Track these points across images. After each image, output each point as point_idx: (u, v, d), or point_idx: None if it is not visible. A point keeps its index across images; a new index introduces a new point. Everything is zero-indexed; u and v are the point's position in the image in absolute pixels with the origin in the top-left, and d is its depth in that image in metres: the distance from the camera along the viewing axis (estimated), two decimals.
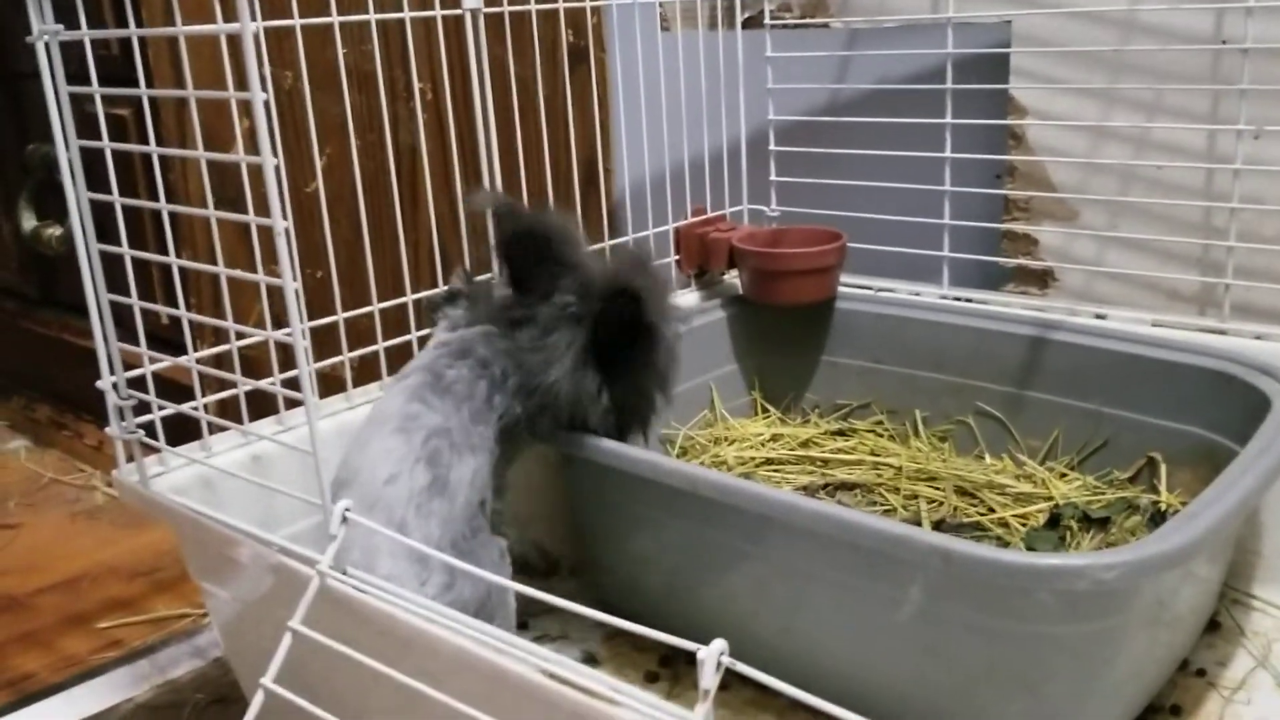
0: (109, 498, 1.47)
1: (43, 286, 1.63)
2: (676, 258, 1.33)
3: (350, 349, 1.02)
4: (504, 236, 0.96)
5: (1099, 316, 1.14)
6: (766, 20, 1.36)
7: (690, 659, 0.50)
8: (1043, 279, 1.25)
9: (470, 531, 0.85)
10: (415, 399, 0.87)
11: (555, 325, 0.92)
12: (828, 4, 1.33)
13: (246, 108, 0.62)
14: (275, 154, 0.62)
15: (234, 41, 0.83)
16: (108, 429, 0.84)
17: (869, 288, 1.29)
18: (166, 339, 0.98)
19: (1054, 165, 1.22)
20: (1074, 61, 1.18)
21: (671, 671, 0.99)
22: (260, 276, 0.70)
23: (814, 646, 0.89)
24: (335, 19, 0.95)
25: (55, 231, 1.49)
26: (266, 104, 0.62)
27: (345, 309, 1.02)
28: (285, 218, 0.65)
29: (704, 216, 1.33)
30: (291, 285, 0.62)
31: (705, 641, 0.50)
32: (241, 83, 0.61)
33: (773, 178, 1.38)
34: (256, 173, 0.63)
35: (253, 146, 0.63)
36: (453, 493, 0.84)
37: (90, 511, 1.44)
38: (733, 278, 1.33)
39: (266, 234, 0.63)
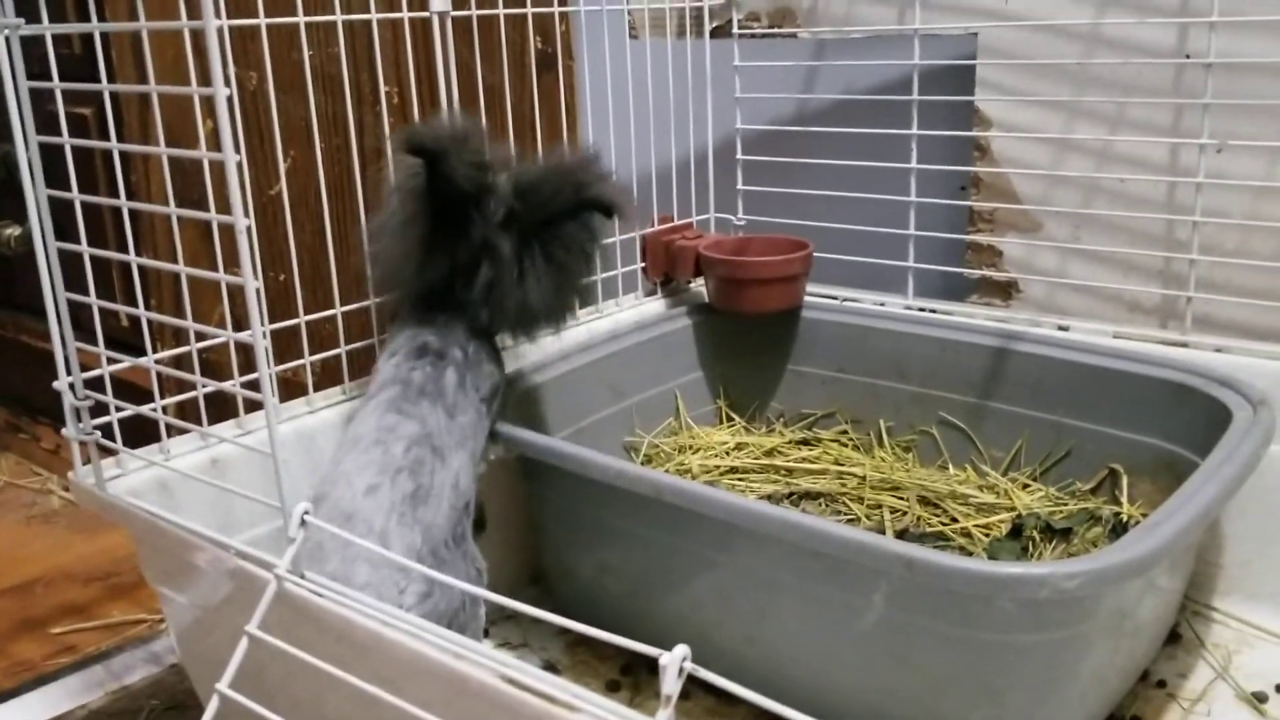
0: (65, 502, 1.45)
1: (1, 288, 1.61)
2: (643, 265, 1.32)
3: (312, 352, 1.01)
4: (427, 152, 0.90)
5: (1062, 328, 1.14)
6: (734, 29, 1.37)
7: (652, 668, 0.50)
8: (1006, 290, 1.26)
9: (454, 540, 0.85)
10: (390, 410, 0.86)
11: (494, 243, 0.92)
12: (795, 14, 1.33)
13: (210, 108, 0.61)
14: (238, 152, 0.62)
15: (198, 41, 0.82)
16: (64, 430, 0.83)
17: (834, 297, 1.30)
18: (126, 342, 0.97)
19: (1018, 177, 1.23)
20: (1039, 74, 1.19)
21: (633, 680, 0.98)
22: (221, 275, 0.69)
23: (778, 655, 0.89)
24: (301, 19, 0.95)
25: (13, 231, 1.47)
26: (230, 102, 0.61)
27: (308, 312, 1.01)
28: (247, 217, 0.64)
29: (670, 224, 1.33)
30: (252, 284, 0.61)
31: (669, 649, 0.50)
32: (205, 81, 0.60)
33: (740, 186, 1.38)
34: (219, 173, 0.62)
35: (216, 146, 0.62)
36: (436, 499, 0.83)
37: (46, 515, 1.42)
38: (699, 286, 1.33)
39: (229, 235, 0.62)
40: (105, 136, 0.86)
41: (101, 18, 1.06)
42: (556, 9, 1.27)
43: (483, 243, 0.91)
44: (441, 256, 0.92)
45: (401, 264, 0.92)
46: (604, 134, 1.25)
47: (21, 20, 0.73)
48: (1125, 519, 1.02)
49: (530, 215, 0.93)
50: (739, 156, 1.38)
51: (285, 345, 1.02)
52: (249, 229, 0.61)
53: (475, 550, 0.88)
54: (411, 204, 0.91)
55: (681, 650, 0.49)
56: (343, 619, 0.65)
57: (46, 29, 0.74)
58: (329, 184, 1.02)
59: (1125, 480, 1.05)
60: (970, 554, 1.02)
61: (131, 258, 0.78)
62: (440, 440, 0.86)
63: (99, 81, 0.84)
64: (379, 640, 0.63)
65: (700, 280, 1.32)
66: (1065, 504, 1.07)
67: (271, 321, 1.00)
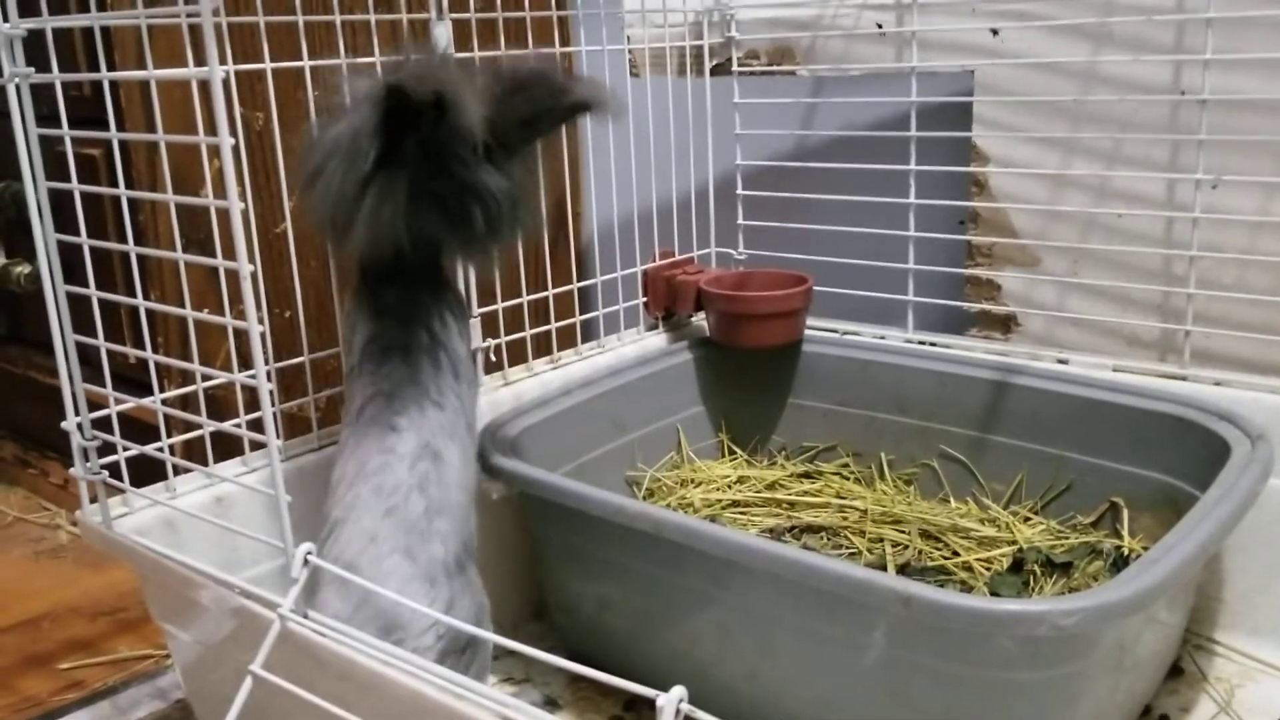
0: (73, 536, 1.46)
1: (10, 324, 1.62)
2: (644, 300, 1.33)
3: (317, 389, 1.02)
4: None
5: (1061, 361, 1.15)
6: (734, 67, 1.38)
7: (653, 704, 0.50)
8: (1006, 324, 1.27)
9: (465, 554, 0.85)
10: (386, 431, 0.85)
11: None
12: (794, 52, 1.35)
13: (217, 149, 0.62)
14: (244, 197, 0.63)
15: (205, 84, 0.83)
16: (72, 470, 0.84)
17: (835, 331, 1.30)
18: (132, 378, 0.98)
19: (1016, 212, 1.24)
20: (1035, 111, 1.20)
21: (635, 716, 0.99)
22: (227, 320, 0.70)
23: (779, 690, 0.90)
24: (306, 63, 0.96)
25: (24, 269, 1.49)
26: (235, 148, 0.62)
27: (312, 349, 1.02)
28: (253, 260, 0.65)
29: (672, 259, 1.34)
30: (256, 329, 0.62)
31: (669, 686, 0.50)
32: (212, 123, 0.61)
33: (740, 221, 1.40)
34: (226, 214, 0.64)
35: (223, 188, 0.64)
36: (447, 504, 0.84)
37: (54, 550, 1.43)
38: (700, 320, 1.34)
39: (234, 275, 0.63)
40: (114, 175, 0.88)
41: (110, 60, 1.08)
42: (559, 49, 1.28)
43: (468, 184, 0.85)
44: (429, 205, 0.85)
45: (387, 223, 0.83)
46: (606, 170, 1.26)
47: (31, 70, 0.74)
48: (1126, 552, 1.02)
49: (511, 140, 0.86)
50: (739, 192, 1.39)
51: (291, 380, 1.03)
52: (253, 274, 0.62)
53: (479, 586, 0.88)
54: (380, 146, 0.81)
55: (678, 692, 0.50)
56: (345, 659, 0.66)
57: (56, 78, 0.75)
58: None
59: (1126, 514, 1.05)
60: (971, 588, 1.02)
61: (139, 301, 0.79)
62: (437, 441, 0.86)
63: (107, 122, 0.86)
64: (381, 680, 0.64)
65: (701, 315, 1.33)
66: (1066, 537, 1.08)
67: (277, 358, 1.01)
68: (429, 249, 0.89)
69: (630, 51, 1.35)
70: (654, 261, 1.33)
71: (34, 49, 0.76)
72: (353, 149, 0.81)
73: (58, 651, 1.18)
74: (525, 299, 1.20)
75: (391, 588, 0.78)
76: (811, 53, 1.34)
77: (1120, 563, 1.01)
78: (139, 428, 0.90)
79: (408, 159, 0.82)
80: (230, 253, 0.64)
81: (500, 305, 1.15)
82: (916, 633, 0.79)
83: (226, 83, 0.60)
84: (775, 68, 1.37)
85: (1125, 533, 1.04)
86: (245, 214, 0.61)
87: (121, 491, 0.87)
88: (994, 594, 1.01)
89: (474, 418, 0.93)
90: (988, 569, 1.05)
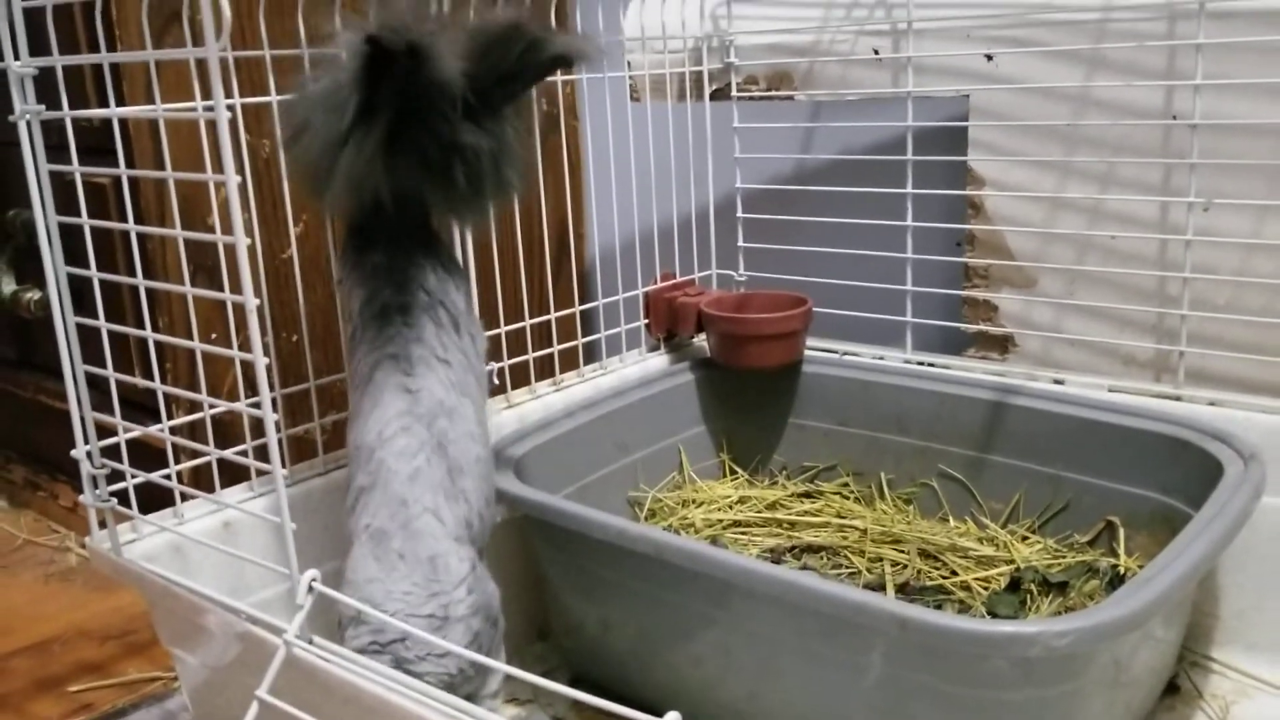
0: (82, 559, 1.47)
1: (20, 349, 1.64)
2: (646, 321, 1.35)
3: (322, 409, 1.04)
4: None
5: (1057, 381, 1.16)
6: (734, 92, 1.40)
7: None
8: (1003, 344, 1.28)
9: (488, 510, 0.87)
10: (399, 391, 0.85)
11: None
12: (792, 77, 1.37)
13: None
14: (249, 224, 0.64)
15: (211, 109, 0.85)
16: (81, 497, 0.86)
17: (835, 351, 1.32)
18: (140, 403, 1.00)
19: (1012, 234, 1.25)
20: (1030, 135, 1.22)
21: None
22: (235, 352, 0.72)
23: (781, 710, 0.91)
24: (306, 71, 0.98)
25: (34, 296, 1.50)
26: (242, 184, 0.64)
27: (318, 373, 1.04)
28: (259, 290, 0.67)
29: (673, 281, 1.36)
30: (262, 362, 0.64)
31: (673, 706, 0.52)
32: (219, 155, 0.63)
33: (740, 244, 1.41)
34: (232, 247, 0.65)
35: (229, 218, 0.65)
36: (467, 463, 0.86)
37: (64, 573, 1.45)
38: (701, 341, 1.36)
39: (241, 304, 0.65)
40: (122, 205, 0.90)
41: (119, 93, 1.10)
42: (561, 75, 1.30)
43: (449, 141, 0.84)
44: (410, 161, 0.84)
45: (364, 174, 0.83)
46: (608, 193, 1.28)
47: (42, 106, 0.76)
48: (1122, 571, 1.03)
49: (493, 97, 0.86)
50: (739, 215, 1.41)
51: (297, 404, 1.04)
52: (259, 308, 0.64)
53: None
54: (361, 98, 0.81)
55: (673, 717, 0.51)
56: (349, 684, 0.67)
57: (66, 115, 0.77)
58: (338, 248, 1.05)
59: (1122, 533, 1.06)
60: (969, 607, 1.03)
61: (148, 333, 0.81)
62: (450, 398, 0.87)
63: (115, 151, 0.88)
64: (384, 704, 0.65)
65: (702, 336, 1.34)
66: (1064, 556, 1.09)
67: (283, 382, 1.02)
68: (417, 208, 0.90)
69: (631, 77, 1.37)
70: (655, 283, 1.35)
71: (42, 82, 0.78)
72: (334, 102, 0.81)
73: (68, 674, 1.19)
74: (528, 322, 1.21)
75: (425, 548, 0.80)
76: (809, 78, 1.35)
77: (1117, 581, 1.02)
78: (147, 452, 0.92)
79: (385, 110, 0.81)
80: (237, 284, 0.66)
81: (504, 329, 1.17)
82: (913, 654, 0.80)
83: (233, 123, 0.62)
84: (774, 92, 1.38)
85: (1122, 551, 1.05)
86: (251, 248, 0.63)
87: (130, 518, 0.89)
88: (991, 613, 1.02)
89: (481, 370, 0.93)
90: (985, 588, 1.06)
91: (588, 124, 1.62)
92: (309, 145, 0.83)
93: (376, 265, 0.89)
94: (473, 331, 0.92)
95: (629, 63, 1.34)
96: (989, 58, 1.22)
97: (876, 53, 1.30)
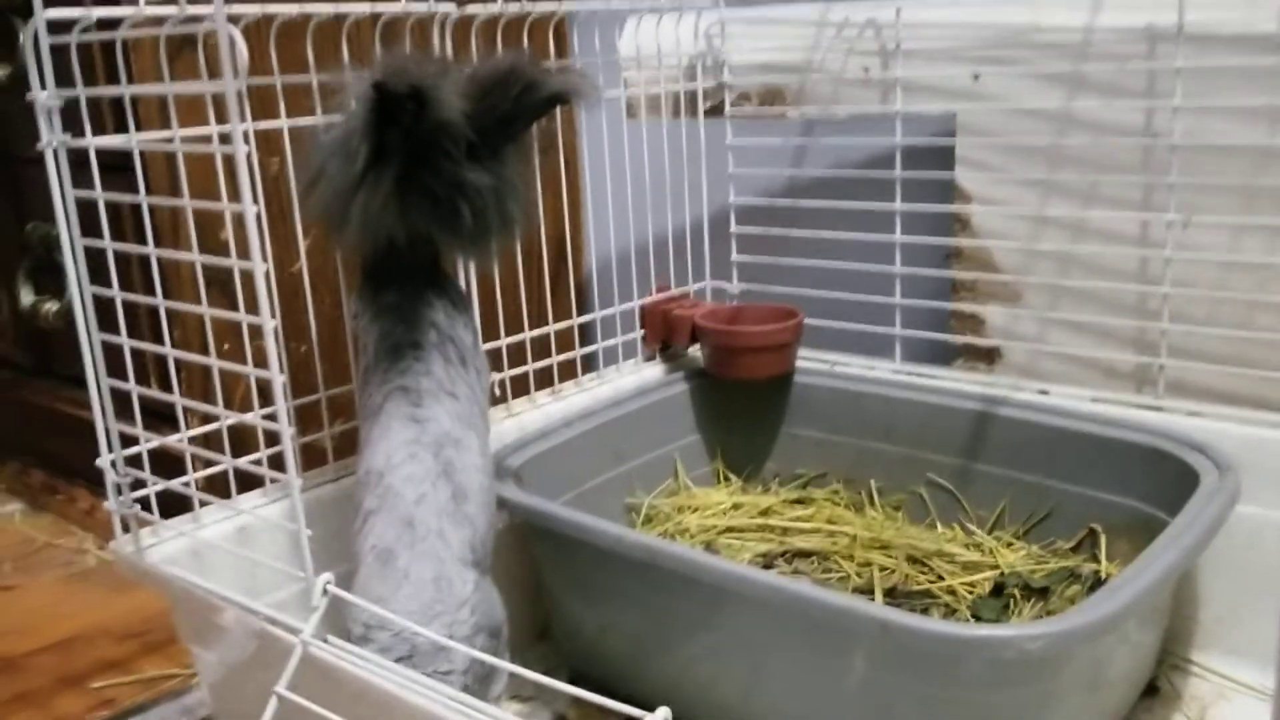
0: (101, 561, 1.50)
1: (38, 358, 1.67)
2: (642, 333, 1.38)
3: (331, 421, 1.07)
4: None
5: (1042, 392, 1.19)
6: (727, 110, 1.43)
7: None
8: (989, 356, 1.31)
9: (490, 536, 0.90)
10: (408, 422, 0.89)
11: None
12: (784, 95, 1.39)
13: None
14: (264, 255, 0.68)
15: (226, 138, 0.88)
16: (106, 504, 0.90)
17: (826, 362, 1.35)
18: (159, 411, 1.04)
19: (998, 249, 1.28)
20: (1015, 152, 1.24)
21: None
22: (250, 369, 0.75)
23: (771, 710, 0.94)
24: (320, 120, 1.02)
25: (52, 306, 1.53)
26: (252, 193, 0.67)
27: (327, 383, 1.07)
28: (273, 308, 0.71)
29: (668, 294, 1.38)
30: (279, 380, 0.68)
31: (667, 705, 0.55)
32: (233, 178, 0.66)
33: (734, 257, 1.44)
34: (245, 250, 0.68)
35: (244, 240, 0.69)
36: (471, 489, 0.89)
37: (83, 574, 1.48)
38: (695, 353, 1.38)
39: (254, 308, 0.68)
40: (139, 218, 0.93)
41: (136, 117, 1.13)
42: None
43: (455, 181, 0.87)
44: (421, 202, 0.87)
45: (379, 216, 0.86)
46: (604, 209, 1.31)
47: (68, 135, 0.80)
48: (1103, 576, 1.06)
49: (494, 137, 0.89)
50: (733, 229, 1.44)
51: (307, 412, 1.08)
52: (276, 329, 0.68)
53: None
54: (371, 144, 0.84)
55: (663, 713, 0.55)
56: (362, 680, 0.71)
57: (90, 143, 0.81)
58: (345, 259, 1.09)
59: (1104, 539, 1.09)
60: (955, 611, 1.07)
61: (168, 350, 0.85)
62: (456, 430, 0.90)
63: (131, 168, 0.90)
64: (395, 700, 0.69)
65: (697, 347, 1.37)
66: (1047, 561, 1.12)
67: (293, 390, 1.06)
68: (428, 248, 0.93)
69: (627, 96, 1.40)
70: (651, 296, 1.37)
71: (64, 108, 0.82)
72: (346, 149, 0.85)
73: (90, 671, 1.22)
74: (528, 334, 1.25)
75: (430, 569, 0.83)
76: (801, 96, 1.38)
77: (1098, 586, 1.04)
78: (166, 460, 0.96)
79: (394, 154, 0.85)
80: (251, 299, 0.70)
81: (504, 340, 1.21)
82: (895, 656, 0.83)
83: (248, 147, 0.66)
84: (766, 110, 1.41)
85: (1103, 557, 1.08)
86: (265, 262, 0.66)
87: (151, 523, 0.93)
88: (976, 617, 1.05)
89: (486, 404, 0.97)
90: (971, 593, 1.09)
91: (585, 140, 1.65)
92: (324, 192, 0.87)
93: (390, 304, 0.93)
94: (478, 366, 0.96)
95: (625, 81, 1.37)
96: (975, 77, 1.25)
97: (866, 71, 1.32)
